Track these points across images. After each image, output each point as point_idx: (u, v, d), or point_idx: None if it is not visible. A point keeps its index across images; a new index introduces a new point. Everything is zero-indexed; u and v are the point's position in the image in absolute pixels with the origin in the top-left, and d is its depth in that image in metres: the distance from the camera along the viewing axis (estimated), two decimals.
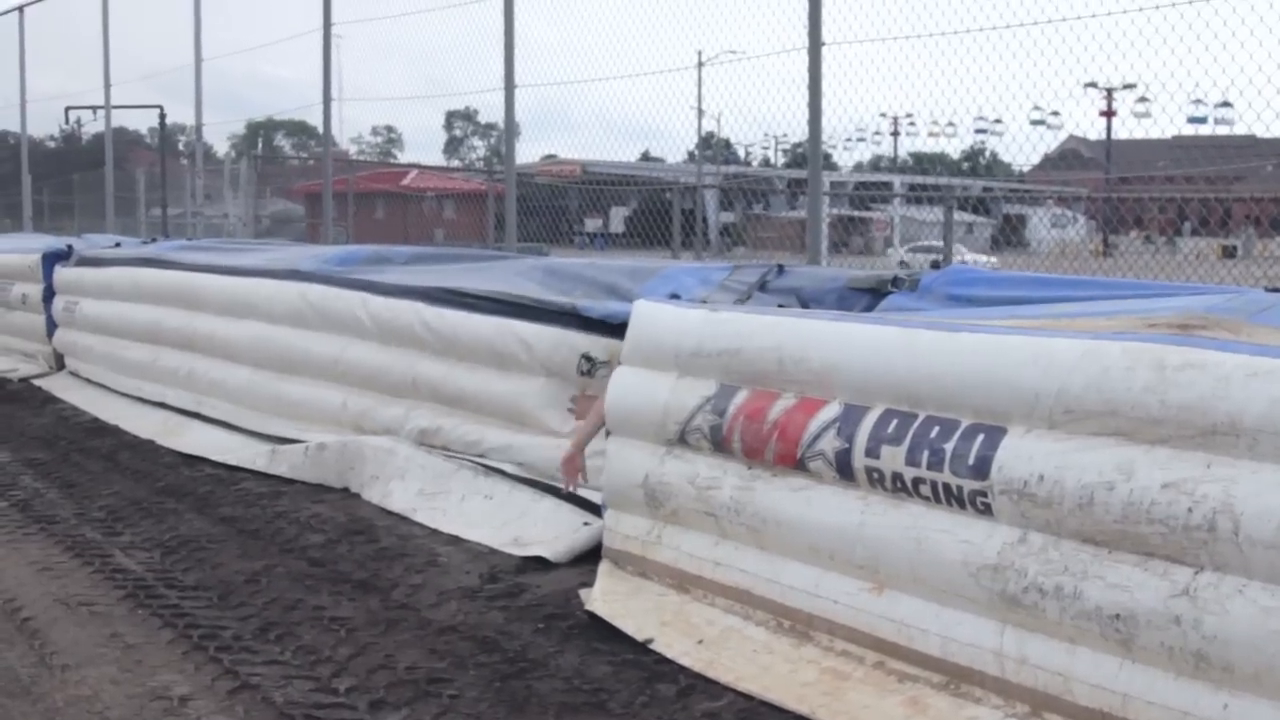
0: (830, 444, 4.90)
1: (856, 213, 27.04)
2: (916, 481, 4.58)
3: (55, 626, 5.77)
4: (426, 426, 8.31)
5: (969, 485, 4.39)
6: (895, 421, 4.70)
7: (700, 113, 16.42)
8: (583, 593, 5.97)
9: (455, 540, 7.11)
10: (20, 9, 21.82)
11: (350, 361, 9.10)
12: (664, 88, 11.04)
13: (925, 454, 4.54)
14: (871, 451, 4.74)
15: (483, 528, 7.15)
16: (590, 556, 6.43)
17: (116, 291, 12.60)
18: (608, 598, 5.75)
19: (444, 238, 23.72)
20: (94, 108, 21.47)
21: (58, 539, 7.29)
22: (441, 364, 8.29)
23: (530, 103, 12.09)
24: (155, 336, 11.72)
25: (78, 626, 5.76)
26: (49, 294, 14.13)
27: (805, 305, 6.45)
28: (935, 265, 9.34)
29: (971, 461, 4.39)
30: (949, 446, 4.48)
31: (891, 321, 5.13)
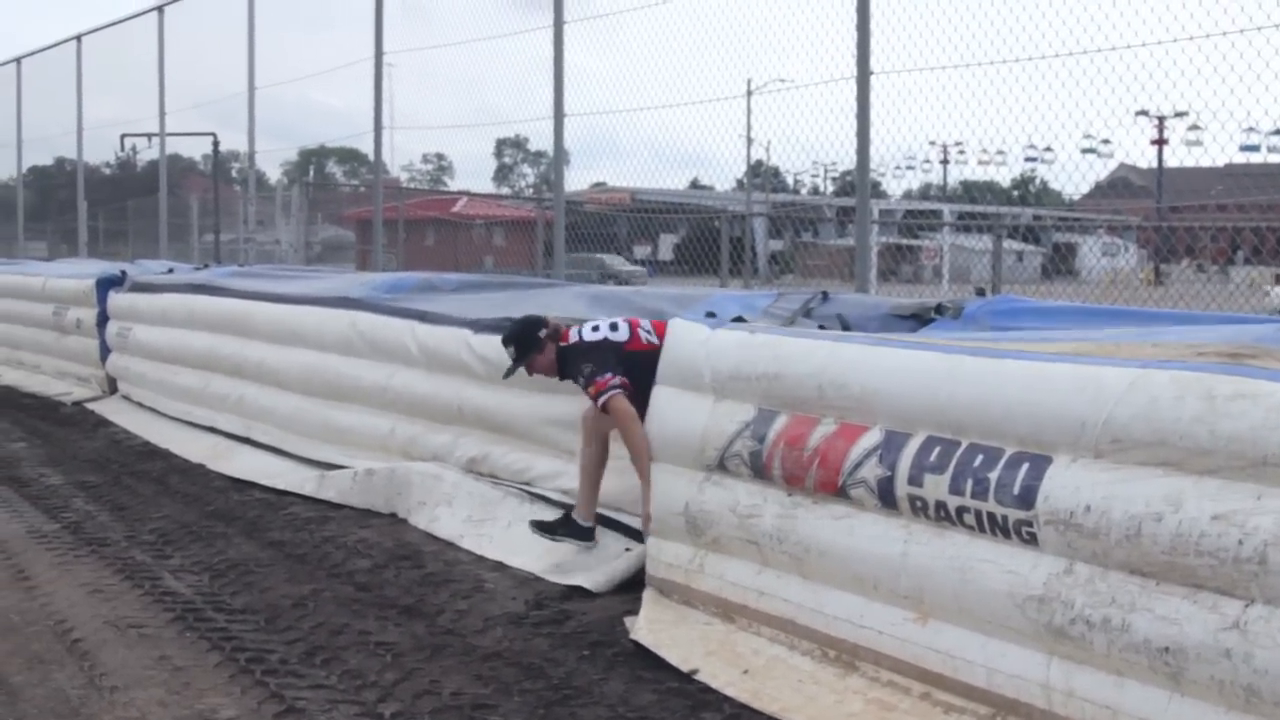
0: (872, 471, 4.89)
1: (906, 241, 26.95)
2: (960, 510, 4.55)
3: (105, 648, 5.82)
4: (475, 454, 8.34)
5: (1014, 515, 4.37)
6: (938, 449, 4.68)
7: (749, 141, 16.40)
8: (628, 621, 5.96)
9: (500, 566, 7.13)
10: (78, 38, 22.13)
11: (398, 389, 9.16)
12: (713, 116, 11.01)
13: (969, 482, 4.52)
14: (914, 479, 4.72)
15: (527, 554, 7.16)
16: (637, 582, 6.42)
17: (169, 318, 12.74)
18: (653, 626, 5.74)
19: (493, 264, 23.82)
20: (149, 135, 21.72)
21: (108, 561, 7.35)
22: (487, 391, 8.32)
23: (579, 131, 12.11)
24: (206, 363, 11.84)
25: (127, 648, 5.81)
26: (103, 319, 14.31)
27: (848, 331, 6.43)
28: (980, 292, 9.29)
29: (1016, 491, 4.36)
30: (993, 475, 4.45)
31: (933, 347, 5.10)
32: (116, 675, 5.46)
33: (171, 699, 5.19)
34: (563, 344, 6.94)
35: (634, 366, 6.57)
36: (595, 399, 6.57)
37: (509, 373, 7.17)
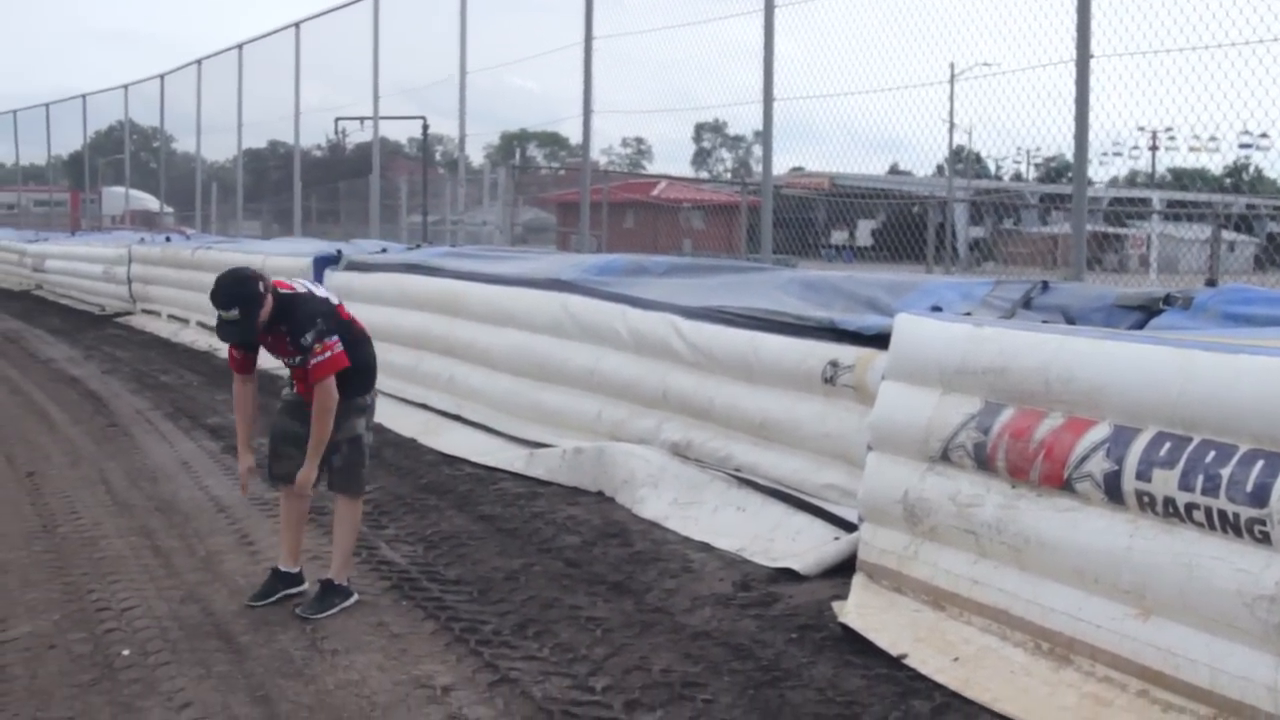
0: (1099, 466, 4.79)
1: (1111, 229, 26.22)
2: (1190, 507, 4.44)
3: None
4: (678, 439, 8.41)
5: (1246, 512, 4.25)
6: (1168, 445, 4.57)
7: (951, 126, 16.16)
8: (835, 605, 5.96)
9: (706, 547, 7.18)
10: (297, 25, 22.83)
11: (606, 372, 9.29)
12: (913, 101, 10.85)
13: (1200, 479, 4.41)
14: (1142, 475, 4.62)
15: (734, 537, 7.20)
16: (841, 570, 6.42)
17: (382, 296, 13.09)
18: (862, 611, 5.74)
19: (692, 248, 23.91)
20: (361, 119, 22.36)
21: (326, 530, 7.53)
22: (692, 376, 8.38)
23: (777, 115, 12.06)
24: (417, 341, 12.14)
25: (346, 614, 6.02)
26: None
27: (1071, 323, 6.32)
28: (1210, 283, 9.02)
29: (1249, 488, 4.24)
30: (1225, 472, 4.33)
31: (1164, 341, 4.99)
32: (337, 639, 5.67)
33: (390, 664, 5.38)
34: (283, 290, 6.05)
35: (344, 333, 6.09)
36: (319, 358, 5.94)
37: (234, 335, 5.99)
